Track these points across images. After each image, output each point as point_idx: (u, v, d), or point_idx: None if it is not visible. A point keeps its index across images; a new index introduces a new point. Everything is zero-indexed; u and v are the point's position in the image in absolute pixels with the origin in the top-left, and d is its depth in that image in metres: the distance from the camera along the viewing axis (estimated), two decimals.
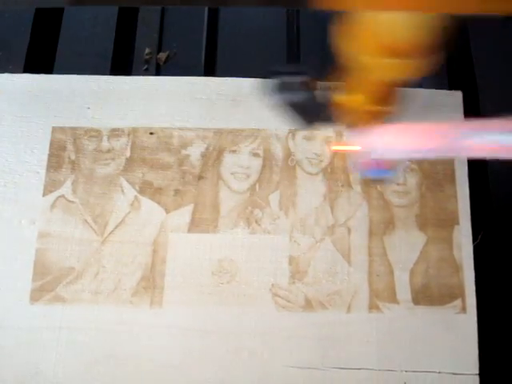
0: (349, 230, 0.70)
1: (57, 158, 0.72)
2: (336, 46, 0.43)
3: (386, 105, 0.50)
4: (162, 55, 0.92)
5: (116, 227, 0.69)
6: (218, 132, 0.73)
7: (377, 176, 0.62)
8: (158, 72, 0.91)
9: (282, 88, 0.51)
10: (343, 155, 0.71)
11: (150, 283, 0.67)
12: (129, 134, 0.73)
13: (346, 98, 0.51)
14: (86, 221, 0.69)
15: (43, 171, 0.71)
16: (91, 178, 0.71)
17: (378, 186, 0.71)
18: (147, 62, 0.92)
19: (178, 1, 0.70)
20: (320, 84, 0.52)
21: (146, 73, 0.90)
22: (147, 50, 0.92)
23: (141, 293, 0.67)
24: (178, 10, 0.94)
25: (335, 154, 0.72)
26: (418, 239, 0.69)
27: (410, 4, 0.33)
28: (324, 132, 0.73)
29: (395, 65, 0.41)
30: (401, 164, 0.61)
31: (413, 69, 0.41)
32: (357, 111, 0.51)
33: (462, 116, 0.75)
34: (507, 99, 0.79)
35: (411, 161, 0.72)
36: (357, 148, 0.56)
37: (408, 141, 0.48)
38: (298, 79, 0.51)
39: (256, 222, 0.70)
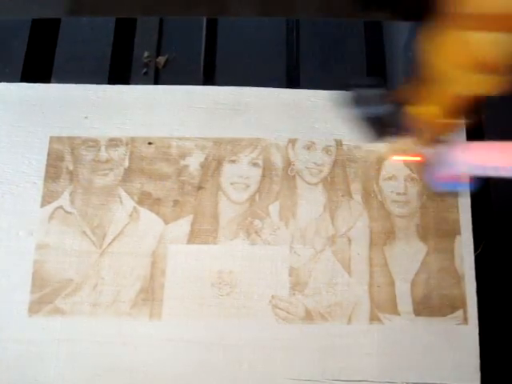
0: (349, 241, 0.69)
1: (55, 169, 0.71)
2: (421, 56, 0.45)
3: (459, 118, 0.51)
4: (161, 59, 0.91)
5: (114, 238, 0.69)
6: (217, 142, 0.72)
7: (452, 188, 0.61)
8: (157, 76, 0.90)
9: (360, 101, 0.52)
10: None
11: (149, 295, 0.67)
12: (127, 144, 0.72)
13: (421, 109, 0.51)
14: (84, 232, 0.69)
15: (41, 182, 0.70)
16: (89, 189, 0.70)
17: (379, 196, 0.71)
18: (146, 65, 0.91)
19: (176, 11, 0.69)
20: (395, 96, 0.52)
21: (145, 77, 0.90)
22: (146, 54, 0.91)
23: (140, 305, 0.67)
24: None
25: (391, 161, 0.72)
26: (418, 249, 0.69)
27: None
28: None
29: (482, 80, 0.42)
30: (476, 176, 0.61)
31: (497, 85, 0.43)
32: (431, 123, 0.52)
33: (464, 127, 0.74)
34: (510, 110, 0.78)
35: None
36: (418, 159, 0.58)
37: (494, 158, 0.50)
38: (375, 92, 0.52)
39: (256, 232, 0.69)
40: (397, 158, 0.71)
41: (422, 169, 0.63)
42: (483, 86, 0.43)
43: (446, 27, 0.42)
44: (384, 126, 0.54)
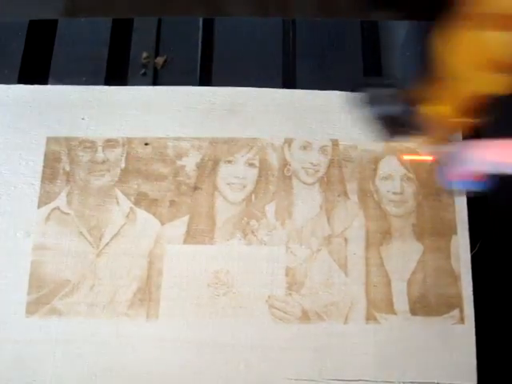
0: (345, 241, 0.69)
1: (51, 170, 0.71)
2: (435, 56, 0.45)
3: (472, 117, 0.51)
4: (160, 59, 0.91)
5: (111, 239, 0.69)
6: (214, 142, 0.73)
7: (467, 187, 0.61)
8: (156, 76, 0.90)
9: (373, 101, 0.52)
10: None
11: (146, 295, 0.67)
12: (123, 145, 0.72)
13: (434, 109, 0.51)
14: (81, 233, 0.69)
15: (38, 183, 0.71)
16: (86, 190, 0.71)
17: (375, 196, 0.71)
18: (145, 66, 0.91)
19: (172, 12, 0.70)
20: (408, 96, 0.52)
21: (144, 78, 0.90)
22: (145, 55, 0.92)
23: (137, 305, 0.67)
24: None
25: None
26: (415, 249, 0.69)
27: None
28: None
29: (495, 79, 0.43)
30: (492, 175, 0.61)
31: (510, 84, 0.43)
32: (443, 122, 0.52)
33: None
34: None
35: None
36: (429, 158, 0.60)
37: (506, 155, 0.50)
38: (388, 92, 0.52)
39: (252, 232, 0.69)
40: (408, 157, 0.71)
41: (436, 168, 0.62)
42: (497, 85, 0.43)
43: (460, 26, 0.42)
44: (397, 125, 0.54)
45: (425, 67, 0.47)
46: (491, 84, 0.44)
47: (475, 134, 0.54)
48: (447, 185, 0.61)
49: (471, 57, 0.42)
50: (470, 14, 0.41)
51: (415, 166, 0.72)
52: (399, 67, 0.83)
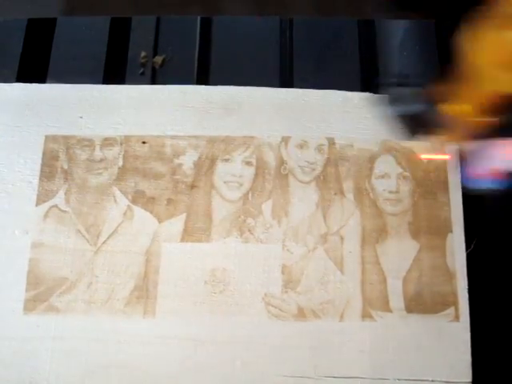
0: (341, 239, 0.69)
1: (49, 168, 0.72)
2: (460, 55, 0.45)
3: (492, 116, 0.52)
4: (158, 59, 0.91)
5: (109, 237, 0.69)
6: (211, 141, 0.73)
7: (488, 185, 0.61)
8: (154, 76, 0.90)
9: (396, 100, 0.53)
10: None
11: (143, 293, 0.67)
12: (121, 144, 0.73)
13: (455, 107, 0.52)
14: (79, 231, 0.69)
15: (36, 181, 0.71)
16: (84, 188, 0.71)
17: (371, 194, 0.71)
18: (143, 65, 0.91)
19: (170, 10, 0.70)
20: (430, 94, 0.53)
21: (142, 77, 0.90)
22: (143, 54, 0.92)
23: (134, 302, 0.67)
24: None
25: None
26: (410, 247, 0.69)
27: None
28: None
29: None
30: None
31: None
32: (464, 121, 0.53)
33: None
34: None
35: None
36: (447, 157, 0.61)
37: None
38: (411, 91, 0.53)
39: (249, 230, 0.70)
40: (426, 156, 0.71)
41: (458, 166, 0.63)
42: None
43: (485, 26, 0.43)
44: (419, 124, 0.55)
45: (447, 66, 0.48)
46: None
47: (493, 132, 0.54)
48: (469, 183, 0.61)
49: (494, 56, 0.43)
50: (495, 13, 0.41)
51: (412, 165, 0.72)
52: (396, 67, 0.83)
